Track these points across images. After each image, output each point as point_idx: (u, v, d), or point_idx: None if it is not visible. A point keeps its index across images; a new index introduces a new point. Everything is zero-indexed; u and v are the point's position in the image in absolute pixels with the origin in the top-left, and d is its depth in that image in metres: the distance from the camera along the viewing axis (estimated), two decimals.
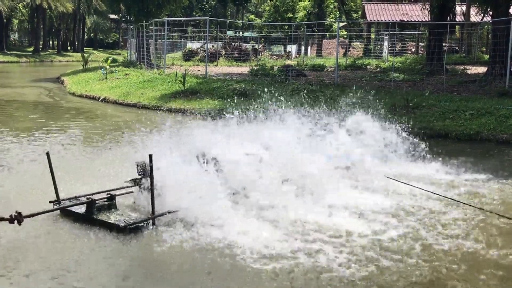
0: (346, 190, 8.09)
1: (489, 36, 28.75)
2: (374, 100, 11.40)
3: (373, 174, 8.88)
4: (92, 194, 7.05)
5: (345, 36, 45.42)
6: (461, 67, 26.52)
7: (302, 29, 45.36)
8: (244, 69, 28.36)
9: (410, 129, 10.44)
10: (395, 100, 15.64)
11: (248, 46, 40.59)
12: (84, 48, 71.46)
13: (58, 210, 6.83)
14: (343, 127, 9.74)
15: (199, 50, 37.68)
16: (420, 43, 40.32)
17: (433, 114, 14.49)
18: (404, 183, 8.30)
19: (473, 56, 33.61)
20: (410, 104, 15.10)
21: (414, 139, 10.08)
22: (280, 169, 7.78)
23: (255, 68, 26.20)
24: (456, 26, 36.47)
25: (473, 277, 5.30)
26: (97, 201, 6.76)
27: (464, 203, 7.54)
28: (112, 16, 73.69)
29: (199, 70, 26.67)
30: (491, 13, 21.64)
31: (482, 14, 31.98)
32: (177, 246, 5.95)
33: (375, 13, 41.27)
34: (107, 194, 6.99)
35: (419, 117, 14.33)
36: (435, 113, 14.54)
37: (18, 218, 5.72)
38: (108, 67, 27.82)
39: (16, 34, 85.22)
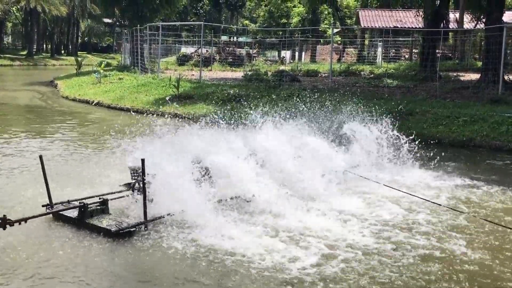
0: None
1: (482, 43, 28.90)
2: (367, 106, 11.41)
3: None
4: (85, 198, 6.99)
5: (339, 42, 45.50)
6: (455, 74, 26.59)
7: (296, 35, 45.41)
8: (238, 74, 28.33)
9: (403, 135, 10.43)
10: (389, 106, 15.64)
11: (243, 51, 40.53)
12: (78, 52, 71.24)
13: (51, 214, 6.77)
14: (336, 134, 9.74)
15: (193, 55, 37.61)
16: (413, 50, 40.46)
17: (426, 121, 14.53)
18: (401, 191, 8.27)
19: (466, 62, 33.71)
20: (403, 110, 15.11)
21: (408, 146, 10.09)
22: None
23: (249, 73, 26.19)
24: (450, 33, 36.63)
25: None
26: (89, 205, 6.71)
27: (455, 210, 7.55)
28: (106, 20, 73.36)
29: (193, 75, 26.63)
30: (484, 20, 21.77)
31: (475, 21, 32.19)
32: (168, 251, 5.91)
33: (369, 19, 41.42)
34: (99, 198, 6.94)
35: (412, 123, 14.35)
36: (429, 120, 14.57)
37: (7, 222, 5.67)
38: (102, 71, 27.74)
39: (10, 37, 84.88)
